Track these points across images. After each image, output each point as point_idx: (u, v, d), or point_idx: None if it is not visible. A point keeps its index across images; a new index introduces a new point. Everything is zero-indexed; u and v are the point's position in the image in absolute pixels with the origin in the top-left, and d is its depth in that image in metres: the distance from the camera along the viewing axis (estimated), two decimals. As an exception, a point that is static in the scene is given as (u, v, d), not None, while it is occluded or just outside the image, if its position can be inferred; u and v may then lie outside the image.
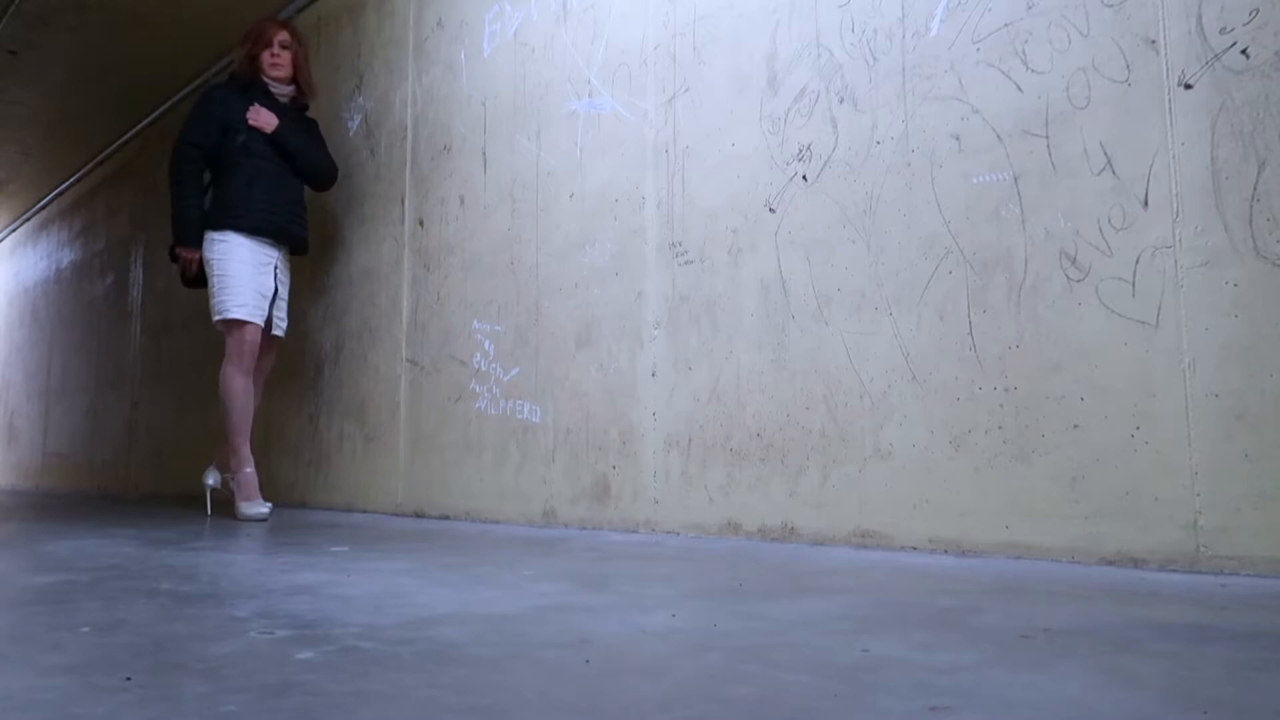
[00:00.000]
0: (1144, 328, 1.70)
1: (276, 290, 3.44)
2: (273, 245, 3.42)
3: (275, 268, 3.43)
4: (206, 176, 3.46)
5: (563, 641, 1.08)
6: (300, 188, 3.54)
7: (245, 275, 3.31)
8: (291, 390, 4.20)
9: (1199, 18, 1.67)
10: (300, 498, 4.05)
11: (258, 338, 3.35)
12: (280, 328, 3.50)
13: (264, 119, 3.40)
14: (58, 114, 6.05)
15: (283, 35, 3.53)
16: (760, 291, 2.32)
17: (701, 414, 2.42)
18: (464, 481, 3.13)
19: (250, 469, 3.37)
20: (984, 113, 1.95)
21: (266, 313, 3.39)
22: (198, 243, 3.36)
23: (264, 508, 3.31)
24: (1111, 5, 1.78)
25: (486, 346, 3.10)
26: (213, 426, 4.98)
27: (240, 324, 3.31)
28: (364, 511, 3.58)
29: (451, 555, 2.04)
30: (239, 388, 3.35)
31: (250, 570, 1.79)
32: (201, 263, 3.39)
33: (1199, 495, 1.61)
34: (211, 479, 3.51)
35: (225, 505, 3.51)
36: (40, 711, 0.80)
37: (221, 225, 3.32)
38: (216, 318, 3.33)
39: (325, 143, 3.67)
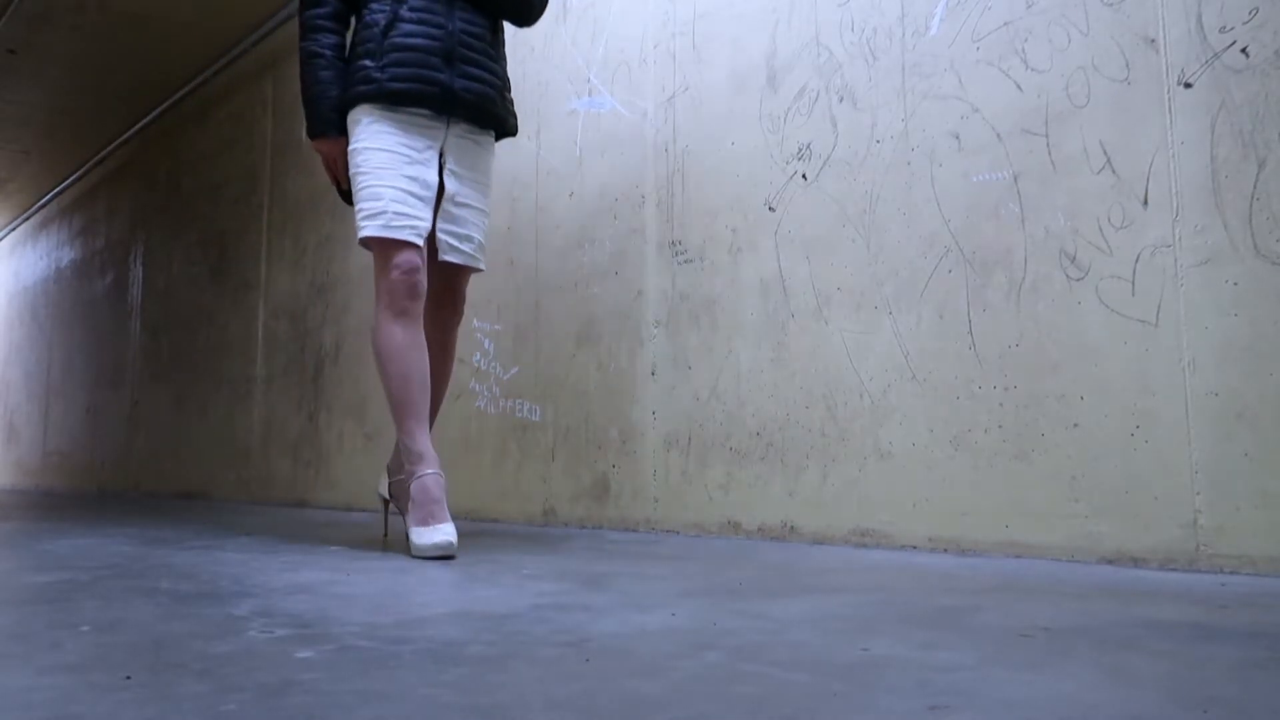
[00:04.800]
0: (1144, 327, 1.70)
1: (443, 189, 2.17)
2: (432, 119, 2.14)
3: (441, 153, 2.17)
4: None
5: (562, 640, 1.08)
6: (486, 27, 2.22)
7: (387, 167, 2.08)
8: (291, 389, 4.20)
9: (1199, 17, 1.67)
10: (300, 496, 4.05)
11: (415, 260, 2.09)
12: (461, 252, 2.21)
13: None
14: (58, 113, 6.05)
15: None
16: (760, 290, 2.32)
17: (701, 413, 2.42)
18: (464, 480, 3.13)
19: (432, 471, 2.04)
20: (984, 111, 1.95)
21: (428, 221, 2.11)
22: (334, 129, 2.17)
23: (444, 535, 1.93)
24: (1111, 4, 1.78)
25: (486, 345, 3.10)
26: (213, 424, 4.99)
27: (382, 244, 2.09)
28: (364, 510, 3.58)
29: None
30: (394, 341, 2.09)
31: (250, 569, 1.79)
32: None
33: (1199, 494, 1.61)
34: (383, 487, 2.31)
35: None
36: (40, 710, 0.80)
37: (353, 100, 2.13)
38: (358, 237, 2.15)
39: None
